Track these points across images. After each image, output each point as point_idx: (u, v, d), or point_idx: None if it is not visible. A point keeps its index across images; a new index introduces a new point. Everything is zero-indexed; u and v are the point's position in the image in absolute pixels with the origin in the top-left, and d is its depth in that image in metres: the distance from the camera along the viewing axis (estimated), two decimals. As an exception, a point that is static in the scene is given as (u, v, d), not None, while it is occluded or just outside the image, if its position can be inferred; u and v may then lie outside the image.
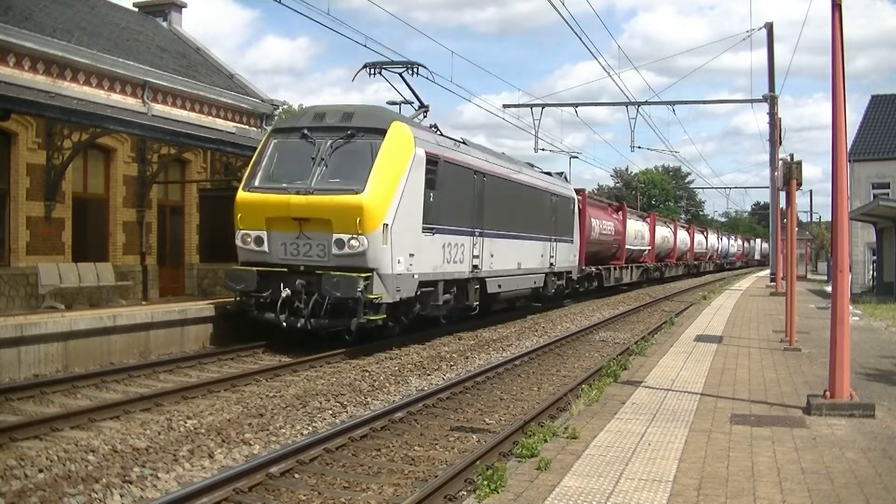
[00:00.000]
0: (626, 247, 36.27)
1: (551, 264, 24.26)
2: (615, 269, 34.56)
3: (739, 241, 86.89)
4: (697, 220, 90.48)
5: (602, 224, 32.22)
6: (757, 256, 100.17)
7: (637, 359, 12.83)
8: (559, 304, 27.83)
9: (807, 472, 6.29)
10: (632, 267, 38.14)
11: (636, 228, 39.33)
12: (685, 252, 54.26)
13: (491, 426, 9.56)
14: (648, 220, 43.50)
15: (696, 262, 59.40)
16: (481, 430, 9.31)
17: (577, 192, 29.29)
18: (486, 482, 5.83)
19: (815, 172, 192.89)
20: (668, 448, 6.95)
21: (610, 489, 5.76)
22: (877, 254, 33.94)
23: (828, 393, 8.52)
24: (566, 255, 26.08)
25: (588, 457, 6.66)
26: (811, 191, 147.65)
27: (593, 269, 30.63)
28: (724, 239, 75.12)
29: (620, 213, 36.95)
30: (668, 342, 15.15)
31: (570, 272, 26.82)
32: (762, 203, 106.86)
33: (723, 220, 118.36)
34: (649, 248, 41.89)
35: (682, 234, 53.69)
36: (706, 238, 64.39)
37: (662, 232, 46.37)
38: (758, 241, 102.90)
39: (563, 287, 26.28)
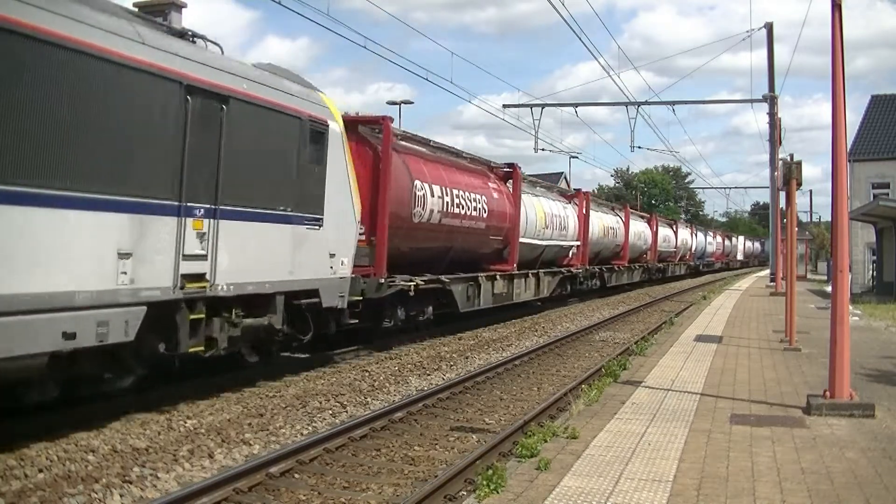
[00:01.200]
0: (522, 240, 21.77)
1: (196, 279, 9.44)
2: (494, 280, 19.63)
3: (718, 239, 72.71)
4: (698, 220, 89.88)
5: (454, 196, 17.25)
6: (739, 256, 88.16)
7: (637, 359, 12.84)
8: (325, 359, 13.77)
9: (807, 472, 6.29)
10: (536, 275, 23.27)
11: (550, 212, 24.70)
12: (644, 251, 41.18)
13: (491, 426, 9.56)
14: (577, 201, 28.89)
15: (660, 265, 45.72)
16: (481, 430, 9.31)
17: (369, 121, 14.94)
18: (486, 482, 5.83)
19: (815, 172, 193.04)
20: (668, 448, 6.95)
21: (610, 489, 5.76)
22: (877, 254, 33.94)
23: (828, 393, 8.52)
24: (287, 255, 11.21)
25: (588, 457, 6.66)
26: (811, 191, 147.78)
27: (418, 281, 15.31)
28: (700, 235, 61.96)
29: (510, 183, 21.72)
30: (668, 342, 15.15)
31: (313, 293, 11.75)
32: (762, 203, 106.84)
33: (723, 220, 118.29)
34: (577, 244, 27.65)
35: (639, 227, 40.24)
36: (675, 233, 50.47)
37: (604, 221, 32.44)
38: (740, 238, 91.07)
39: (273, 332, 11.18)
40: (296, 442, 8.36)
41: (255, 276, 10.55)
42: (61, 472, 7.10)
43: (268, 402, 10.32)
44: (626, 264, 36.49)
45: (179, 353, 9.47)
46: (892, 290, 28.35)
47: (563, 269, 26.72)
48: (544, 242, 24.26)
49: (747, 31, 35.68)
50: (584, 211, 29.03)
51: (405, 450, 8.40)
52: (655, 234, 43.20)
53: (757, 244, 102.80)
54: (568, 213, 27.24)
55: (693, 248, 56.43)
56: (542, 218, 23.99)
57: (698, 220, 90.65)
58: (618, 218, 35.89)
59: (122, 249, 8.26)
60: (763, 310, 23.75)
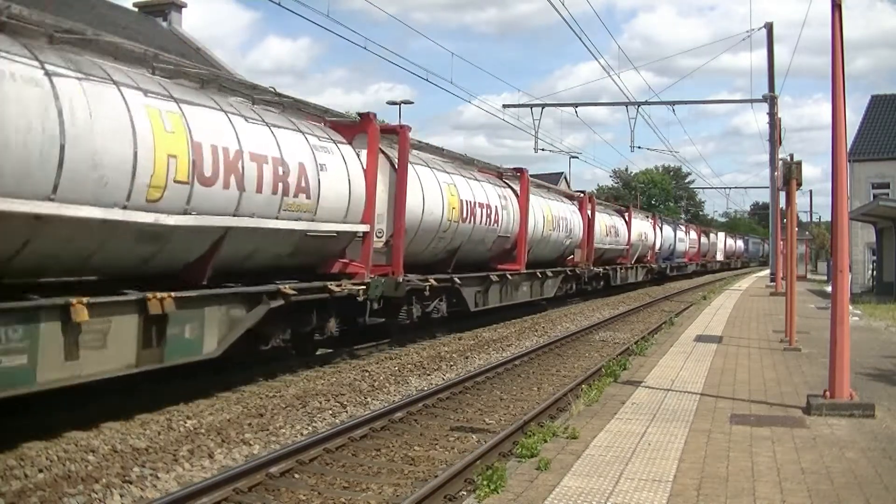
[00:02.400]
0: (123, 217, 8.38)
1: None
2: None
3: (693, 235, 57.90)
4: (698, 220, 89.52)
5: None
6: (719, 256, 71.55)
7: (637, 359, 12.84)
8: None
9: (807, 472, 6.29)
10: (139, 302, 8.67)
11: (259, 154, 10.64)
12: (569, 250, 27.17)
13: (491, 426, 9.56)
14: (369, 140, 13.80)
15: (600, 271, 30.95)
16: (481, 430, 9.31)
17: None
18: (486, 482, 5.83)
19: (815, 172, 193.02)
20: (668, 448, 6.95)
21: (610, 489, 5.76)
22: (877, 254, 33.93)
23: (828, 393, 8.52)
24: None
25: (588, 457, 6.66)
26: (811, 191, 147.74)
27: None
28: (667, 229, 47.60)
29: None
30: (668, 342, 15.15)
31: None
32: (761, 203, 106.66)
33: (723, 219, 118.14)
34: (364, 230, 13.38)
35: (556, 210, 25.33)
36: (628, 226, 36.32)
37: (464, 194, 17.99)
38: (720, 234, 74.54)
39: None
40: (296, 442, 8.36)
41: None
42: (61, 472, 7.10)
43: (268, 402, 10.32)
44: (523, 270, 21.54)
45: None
46: (892, 290, 28.34)
47: (278, 292, 11.15)
48: (228, 223, 10.24)
49: (747, 32, 35.69)
50: (399, 168, 14.48)
51: (405, 450, 8.40)
52: (590, 225, 29.03)
53: (740, 242, 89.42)
54: (331, 162, 12.48)
55: (657, 246, 42.93)
56: (208, 160, 9.72)
57: (698, 220, 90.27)
58: (504, 192, 20.86)
59: None
60: (763, 310, 23.74)
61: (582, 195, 30.13)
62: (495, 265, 20.77)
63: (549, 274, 24.52)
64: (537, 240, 23.24)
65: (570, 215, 26.96)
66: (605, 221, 32.53)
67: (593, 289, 31.16)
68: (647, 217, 43.56)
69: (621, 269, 34.89)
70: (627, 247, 36.14)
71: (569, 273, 26.92)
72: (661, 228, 44.67)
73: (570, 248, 27.26)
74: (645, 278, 40.56)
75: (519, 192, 21.81)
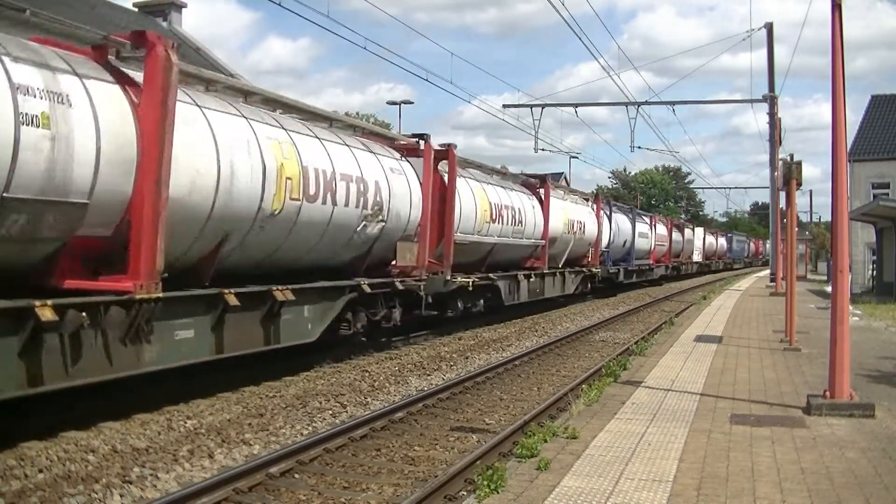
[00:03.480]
0: None
1: None
2: None
3: (662, 230, 44.73)
4: (697, 220, 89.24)
5: None
6: (697, 257, 57.41)
7: (637, 359, 12.84)
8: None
9: (807, 472, 6.29)
10: None
11: None
12: (388, 242, 14.37)
13: (491, 426, 9.56)
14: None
15: (472, 281, 17.50)
16: (481, 430, 9.32)
17: None
18: (486, 482, 5.83)
19: (815, 172, 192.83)
20: (668, 448, 6.94)
21: (610, 489, 5.76)
22: (877, 254, 33.92)
23: (828, 393, 8.52)
24: None
25: (588, 457, 6.66)
26: (811, 191, 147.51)
27: None
28: (623, 220, 35.60)
29: None
30: (668, 342, 15.15)
31: None
32: (761, 203, 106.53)
33: (723, 219, 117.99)
34: None
35: (338, 164, 12.34)
36: (544, 209, 23.50)
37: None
38: (697, 231, 59.73)
39: None
40: (296, 442, 8.36)
41: None
42: (61, 472, 7.10)
43: (268, 402, 10.32)
44: (150, 294, 8.39)
45: None
46: (892, 290, 28.33)
47: None
48: None
49: (747, 32, 35.62)
50: None
51: (405, 450, 8.40)
52: (445, 201, 16.63)
53: (722, 240, 74.67)
54: None
55: (604, 243, 31.26)
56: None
57: (698, 220, 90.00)
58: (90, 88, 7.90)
59: None
60: (763, 310, 23.75)
61: (423, 143, 16.31)
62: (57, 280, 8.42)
63: (289, 297, 11.25)
64: (261, 218, 10.68)
65: (387, 179, 14.28)
66: (492, 199, 19.72)
67: (462, 314, 18.54)
68: (587, 200, 30.81)
69: (530, 278, 22.06)
70: (542, 242, 23.26)
71: (368, 291, 13.61)
72: (609, 218, 32.49)
73: (387, 242, 14.51)
74: (582, 288, 28.16)
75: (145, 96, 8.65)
